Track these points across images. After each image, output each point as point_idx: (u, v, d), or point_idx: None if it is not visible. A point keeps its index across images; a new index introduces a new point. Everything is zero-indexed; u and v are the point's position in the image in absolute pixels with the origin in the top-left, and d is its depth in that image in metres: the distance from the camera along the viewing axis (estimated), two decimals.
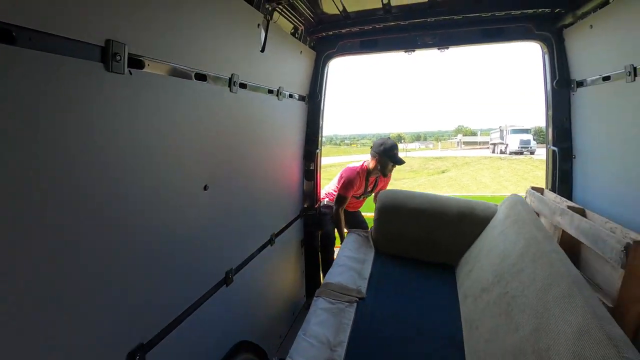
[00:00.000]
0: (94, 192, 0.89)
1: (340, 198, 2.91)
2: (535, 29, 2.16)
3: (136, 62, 0.97)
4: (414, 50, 2.51)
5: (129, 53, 0.93)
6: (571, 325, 0.98)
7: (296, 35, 2.25)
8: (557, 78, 2.12)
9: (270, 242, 2.18)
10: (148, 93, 1.03)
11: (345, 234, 2.91)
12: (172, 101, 1.14)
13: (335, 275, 2.15)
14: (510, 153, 28.78)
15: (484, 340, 1.40)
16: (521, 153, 28.18)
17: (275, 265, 2.30)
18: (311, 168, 2.83)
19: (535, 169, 19.09)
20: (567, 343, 0.95)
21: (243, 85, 1.62)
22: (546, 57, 2.18)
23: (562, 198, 2.06)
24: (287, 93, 2.23)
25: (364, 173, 2.92)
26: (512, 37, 2.27)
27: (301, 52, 2.31)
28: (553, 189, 2.25)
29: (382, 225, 2.54)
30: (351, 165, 3.00)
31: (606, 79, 1.71)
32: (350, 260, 2.35)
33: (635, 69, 1.49)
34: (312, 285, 3.00)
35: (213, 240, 1.51)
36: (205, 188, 1.40)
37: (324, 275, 3.00)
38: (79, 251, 0.86)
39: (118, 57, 0.90)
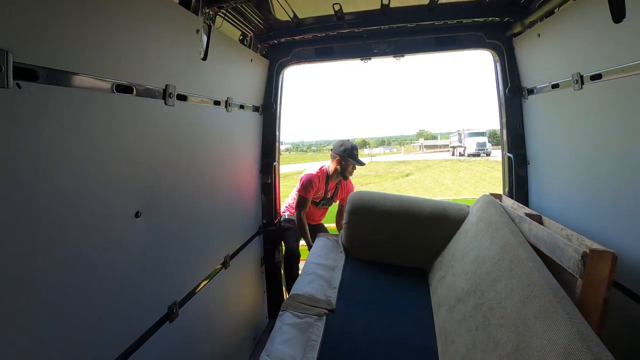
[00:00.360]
0: None
1: (301, 200, 2.82)
2: (486, 37, 2.18)
3: (26, 73, 0.79)
4: (369, 59, 2.46)
5: (14, 62, 0.75)
6: (556, 346, 0.91)
7: (245, 43, 2.11)
8: (509, 85, 2.15)
9: (224, 265, 2.00)
10: (47, 109, 0.85)
11: None
12: (80, 118, 0.96)
13: (303, 285, 2.00)
14: (469, 155, 30.22)
15: (461, 356, 1.31)
16: (478, 155, 29.67)
17: (231, 290, 2.12)
18: (269, 181, 2.67)
19: (491, 170, 20.10)
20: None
21: (182, 97, 1.46)
22: (498, 65, 2.21)
23: (520, 204, 2.06)
24: (238, 104, 2.08)
25: (324, 175, 2.87)
26: (464, 46, 2.28)
27: (252, 60, 2.17)
28: (510, 195, 2.27)
29: (352, 229, 2.40)
30: (310, 170, 2.93)
31: (555, 86, 1.73)
32: (319, 267, 2.22)
33: (582, 77, 1.50)
34: (275, 304, 2.83)
35: (151, 273, 1.32)
36: (137, 215, 1.22)
37: (288, 293, 2.85)
38: None
39: None
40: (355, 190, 2.76)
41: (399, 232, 2.30)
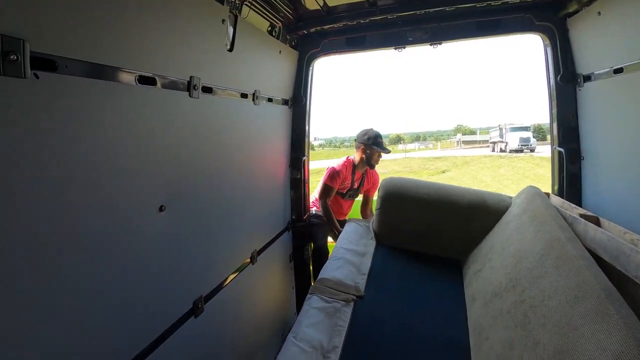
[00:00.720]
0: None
1: (327, 188, 2.76)
2: (535, 19, 1.96)
3: (45, 63, 0.78)
4: (404, 47, 2.32)
5: (31, 51, 0.74)
6: (606, 352, 0.82)
7: (274, 34, 2.05)
8: (562, 72, 1.93)
9: (252, 260, 1.98)
10: (67, 101, 0.84)
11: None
12: (102, 111, 0.94)
13: (331, 270, 1.97)
14: (510, 151, 28.63)
15: (496, 354, 1.23)
16: (521, 151, 28.04)
17: (258, 286, 2.09)
18: (298, 176, 2.62)
19: (536, 167, 18.86)
20: None
21: (207, 89, 1.43)
22: (548, 50, 1.99)
23: (571, 204, 1.86)
24: (266, 97, 2.04)
25: (350, 165, 2.82)
26: (510, 29, 2.07)
27: (280, 51, 2.12)
28: (560, 194, 2.05)
29: (384, 215, 2.32)
30: (335, 162, 2.90)
31: (618, 71, 1.51)
32: (348, 253, 2.17)
33: None
34: (304, 301, 2.79)
35: (176, 267, 1.31)
36: (161, 209, 1.20)
37: None
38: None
39: (14, 57, 0.70)
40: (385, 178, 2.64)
41: (433, 221, 2.21)
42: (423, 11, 2.02)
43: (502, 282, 1.46)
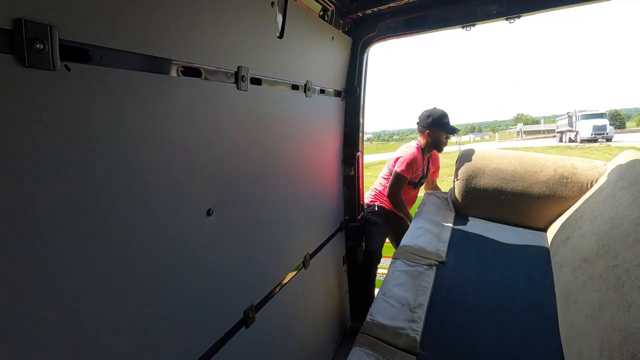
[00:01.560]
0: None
1: (400, 179, 2.52)
2: None
3: (77, 53, 0.69)
4: (474, 25, 2.00)
5: (61, 40, 0.65)
6: None
7: (326, 18, 1.88)
8: None
9: (304, 264, 1.85)
10: (101, 95, 0.75)
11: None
12: (141, 105, 0.85)
13: (412, 238, 2.04)
14: (582, 141, 25.79)
15: (585, 315, 1.23)
16: (595, 140, 25.14)
17: (310, 291, 1.97)
18: (352, 173, 2.45)
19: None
20: None
21: (256, 81, 1.31)
22: None
23: None
24: (318, 88, 1.88)
25: (421, 152, 2.58)
26: None
27: (333, 38, 1.94)
28: None
29: (464, 186, 2.32)
30: (406, 145, 2.65)
31: None
32: (428, 222, 2.22)
33: None
34: (358, 305, 2.62)
35: (225, 275, 1.22)
36: (208, 213, 1.11)
37: (369, 295, 2.64)
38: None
39: (40, 46, 0.62)
40: (466, 148, 2.52)
41: (516, 191, 2.19)
42: None
43: (594, 248, 1.42)
